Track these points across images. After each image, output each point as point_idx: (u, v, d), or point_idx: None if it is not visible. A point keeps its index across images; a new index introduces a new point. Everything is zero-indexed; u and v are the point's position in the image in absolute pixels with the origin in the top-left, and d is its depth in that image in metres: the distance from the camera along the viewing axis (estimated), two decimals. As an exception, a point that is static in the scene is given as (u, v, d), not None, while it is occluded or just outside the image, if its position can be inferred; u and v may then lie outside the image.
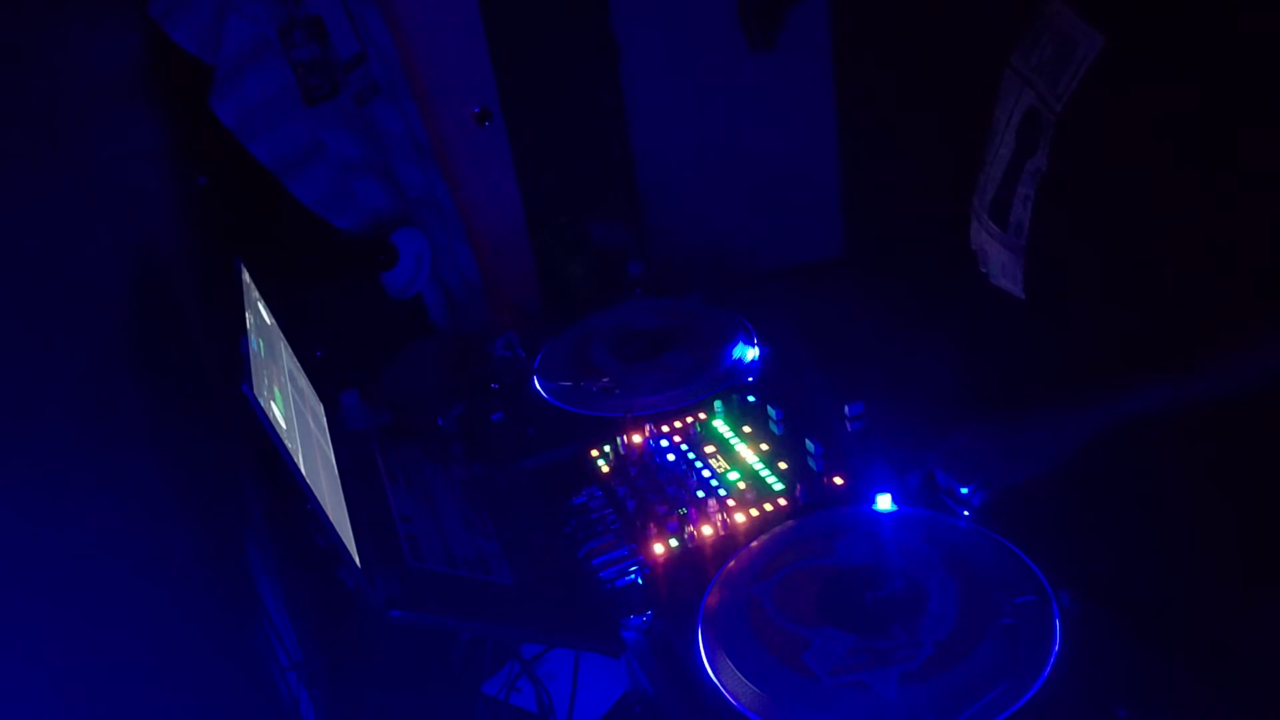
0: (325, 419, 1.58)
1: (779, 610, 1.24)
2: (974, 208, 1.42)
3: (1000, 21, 1.36)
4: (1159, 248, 1.22)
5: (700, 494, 1.48)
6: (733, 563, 1.34)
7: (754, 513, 1.43)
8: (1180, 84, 1.14)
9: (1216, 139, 1.14)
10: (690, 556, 1.38)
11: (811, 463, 1.50)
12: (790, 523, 1.40)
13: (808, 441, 1.50)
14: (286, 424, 1.23)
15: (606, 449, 1.62)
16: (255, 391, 1.13)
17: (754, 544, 1.37)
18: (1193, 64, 1.14)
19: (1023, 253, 1.32)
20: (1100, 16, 1.19)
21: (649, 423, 1.64)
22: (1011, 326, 1.41)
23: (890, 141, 2.85)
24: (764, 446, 1.57)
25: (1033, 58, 1.29)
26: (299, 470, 1.17)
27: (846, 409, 1.55)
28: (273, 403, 1.21)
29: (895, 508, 1.37)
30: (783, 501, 1.45)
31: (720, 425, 1.64)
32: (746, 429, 1.62)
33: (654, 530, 1.40)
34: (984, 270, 1.43)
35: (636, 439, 1.60)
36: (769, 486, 1.48)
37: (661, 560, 1.37)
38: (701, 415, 1.67)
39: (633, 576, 1.36)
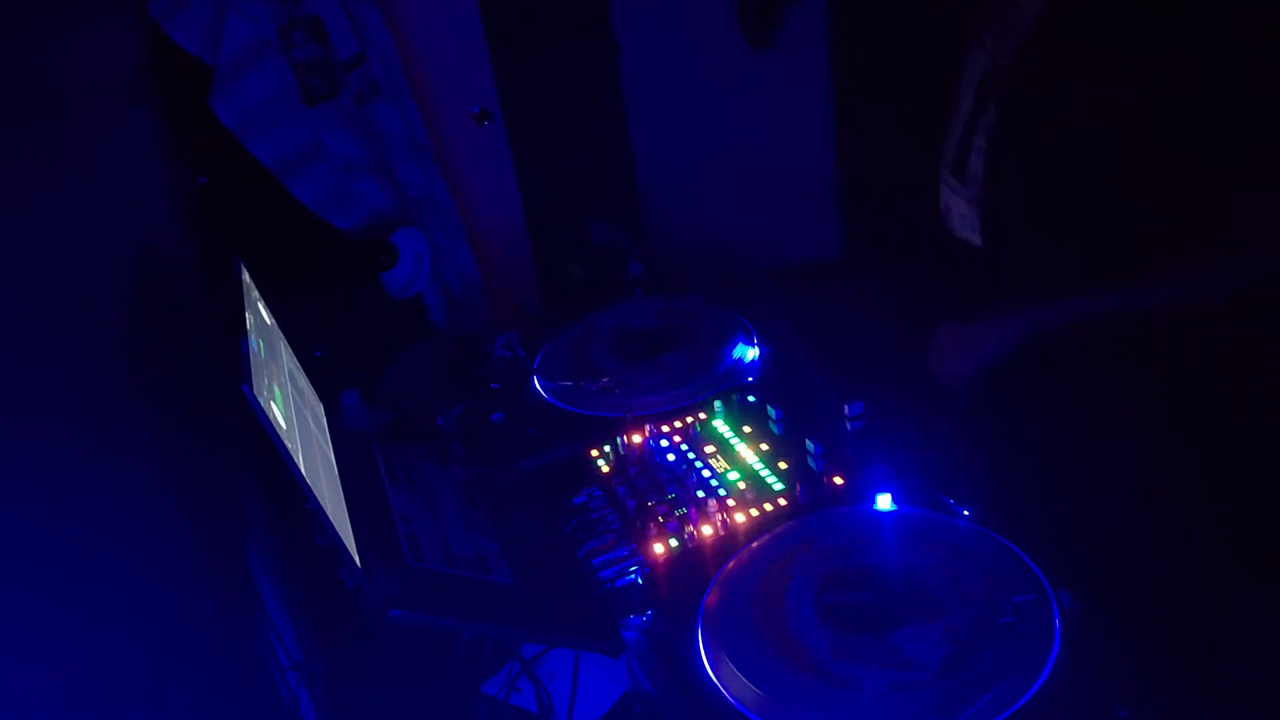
0: (325, 419, 1.58)
1: (779, 610, 1.24)
2: (940, 170, 1.52)
3: (970, 7, 1.48)
4: (1098, 190, 1.31)
5: (700, 494, 1.48)
6: (733, 563, 1.34)
7: (754, 513, 1.43)
8: (1114, 40, 1.24)
9: (1146, 95, 1.23)
10: (690, 556, 1.38)
11: (811, 463, 1.50)
12: (790, 523, 1.40)
13: (808, 441, 1.50)
14: (286, 424, 1.23)
15: (606, 449, 1.61)
16: (255, 391, 1.13)
17: (754, 544, 1.37)
18: (1125, 20, 1.24)
19: (979, 202, 1.43)
20: None
21: (649, 423, 1.64)
22: (972, 277, 1.52)
23: (890, 141, 2.84)
24: (764, 446, 1.57)
25: (990, 29, 1.41)
26: (299, 470, 1.17)
27: (846, 409, 1.55)
28: (273, 403, 1.21)
29: (895, 508, 1.37)
30: (783, 501, 1.45)
31: (720, 425, 1.64)
32: (746, 429, 1.62)
33: (654, 530, 1.40)
34: (949, 227, 1.53)
35: (636, 439, 1.60)
36: (769, 486, 1.48)
37: (661, 560, 1.37)
38: (701, 415, 1.67)
39: (633, 576, 1.36)
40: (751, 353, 1.79)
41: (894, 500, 1.37)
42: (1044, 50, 1.30)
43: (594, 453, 1.62)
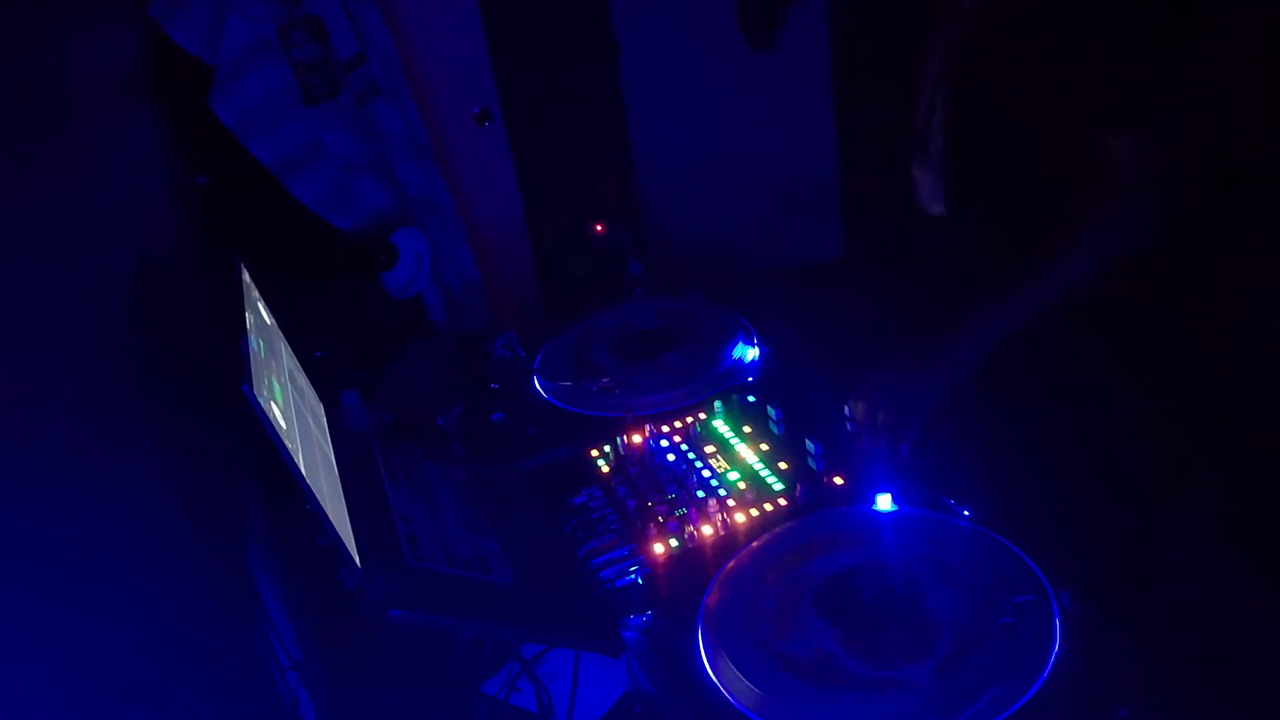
0: (325, 419, 1.58)
1: (778, 610, 1.24)
2: (910, 151, 1.60)
3: (930, 13, 1.57)
4: (1034, 149, 1.40)
5: (700, 494, 1.48)
6: (733, 563, 1.34)
7: (754, 513, 1.43)
8: (1033, 20, 1.36)
9: (1058, 43, 1.34)
10: (690, 556, 1.38)
11: (811, 463, 1.50)
12: (790, 523, 1.40)
13: (808, 441, 1.50)
14: (286, 424, 1.23)
15: (606, 449, 1.61)
16: (255, 391, 1.13)
17: (754, 544, 1.37)
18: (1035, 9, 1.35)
19: (940, 173, 1.53)
20: None
21: (649, 423, 1.64)
22: (939, 242, 1.60)
23: (889, 142, 2.84)
24: (764, 446, 1.57)
25: (945, 15, 1.52)
26: (299, 470, 1.17)
27: (846, 409, 1.55)
28: (273, 403, 1.21)
29: (895, 508, 1.37)
30: (783, 501, 1.45)
31: (720, 425, 1.64)
32: (746, 429, 1.62)
33: (654, 530, 1.40)
34: (917, 200, 1.62)
35: (636, 439, 1.60)
36: (769, 486, 1.48)
37: (661, 560, 1.37)
38: (701, 415, 1.67)
39: (633, 576, 1.36)
40: (751, 353, 1.79)
41: (894, 500, 1.37)
42: (982, 25, 1.44)
43: (594, 453, 1.62)
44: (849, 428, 1.55)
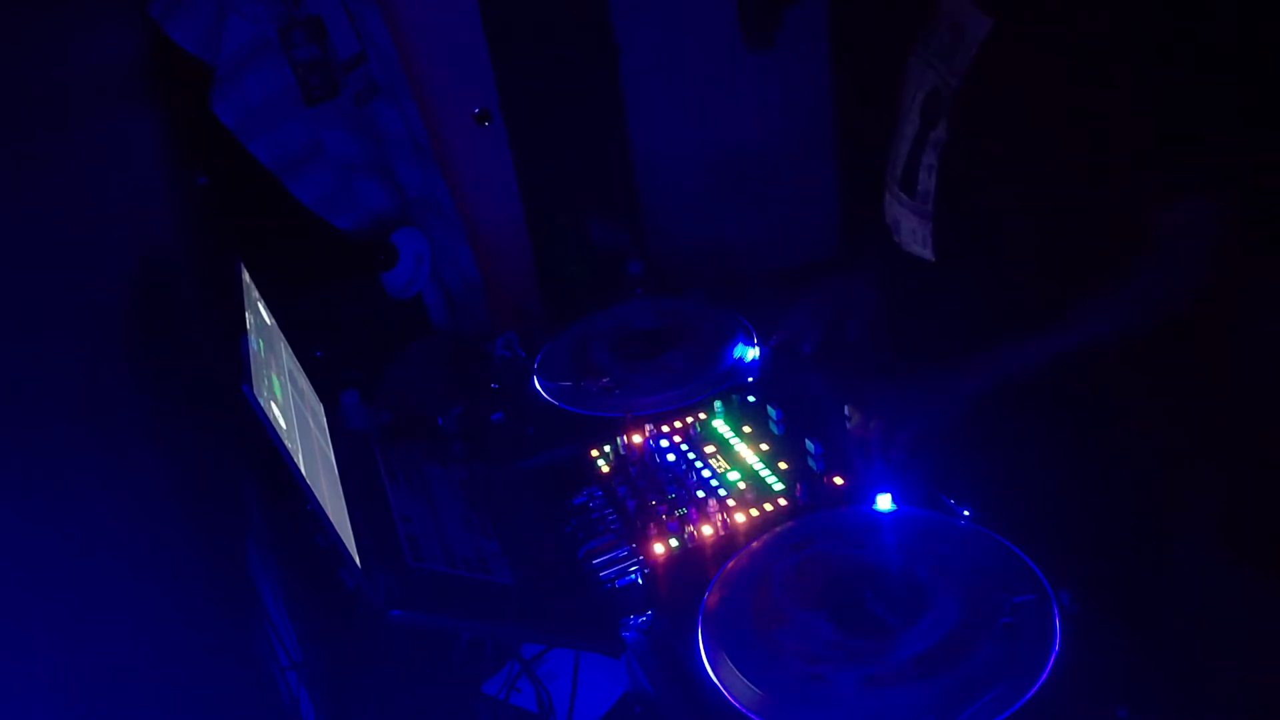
0: (325, 419, 1.58)
1: (779, 611, 1.24)
2: (886, 183, 1.55)
3: (905, 18, 1.54)
4: (1045, 207, 1.37)
5: (700, 494, 1.48)
6: (733, 563, 1.34)
7: (754, 513, 1.43)
8: (1058, 59, 1.31)
9: (1090, 108, 1.30)
10: (690, 556, 1.38)
11: (811, 463, 1.50)
12: (790, 523, 1.40)
13: (808, 441, 1.50)
14: (286, 424, 1.23)
15: (606, 449, 1.61)
16: (255, 391, 1.13)
17: (754, 544, 1.37)
18: (1068, 41, 1.30)
19: (930, 217, 1.47)
20: (988, 2, 1.37)
21: (649, 423, 1.64)
22: (924, 287, 1.55)
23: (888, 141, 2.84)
24: (764, 446, 1.57)
25: (932, 44, 1.46)
26: (299, 470, 1.17)
27: (846, 409, 1.55)
28: (273, 403, 1.21)
29: (895, 508, 1.37)
30: (783, 501, 1.45)
31: (720, 425, 1.64)
32: (746, 429, 1.62)
33: (654, 530, 1.40)
34: (897, 239, 1.57)
35: (636, 439, 1.60)
36: (769, 486, 1.48)
37: (661, 560, 1.37)
38: (701, 415, 1.67)
39: (633, 576, 1.36)
40: (751, 353, 1.79)
41: (894, 500, 1.37)
42: (991, 73, 1.36)
43: (594, 453, 1.62)
44: (849, 427, 1.55)
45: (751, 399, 1.68)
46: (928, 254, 1.51)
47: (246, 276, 1.44)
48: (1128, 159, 1.31)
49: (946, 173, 1.43)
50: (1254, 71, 1.34)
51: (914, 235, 1.52)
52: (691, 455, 1.57)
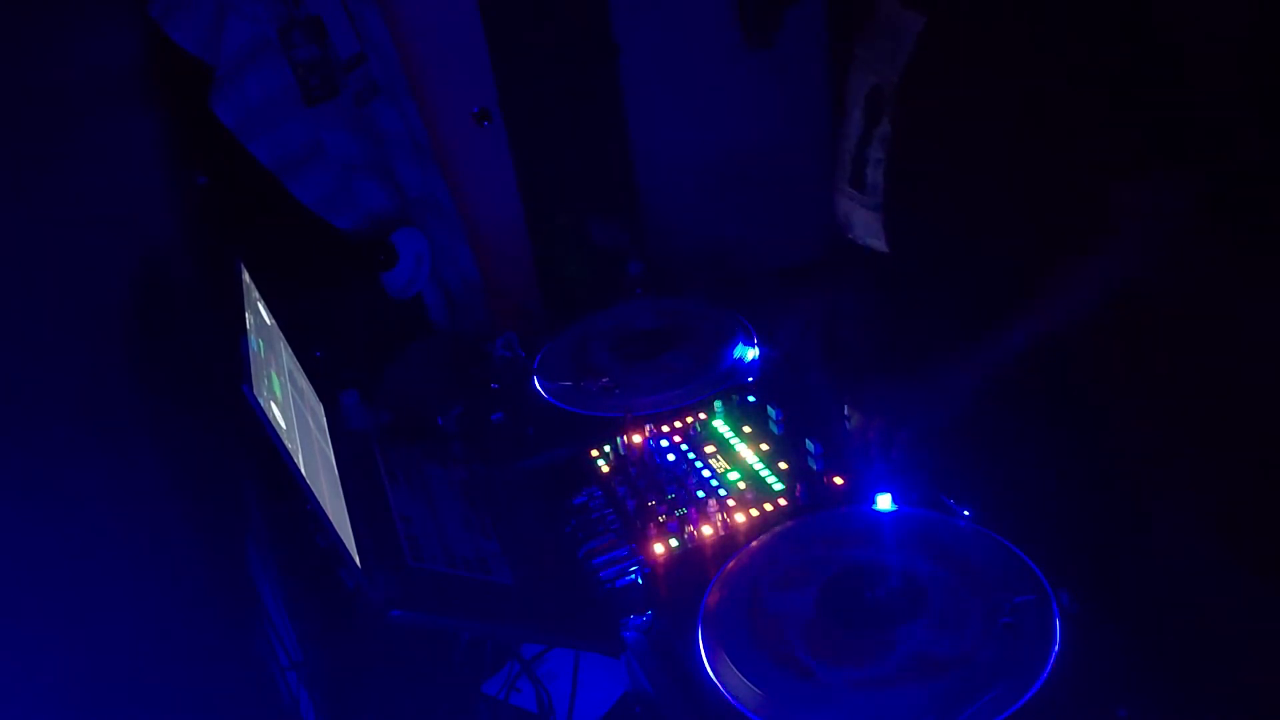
0: (325, 419, 1.58)
1: (779, 610, 1.24)
2: (835, 183, 1.60)
3: (846, 18, 1.57)
4: (990, 191, 1.41)
5: (700, 494, 1.48)
6: (733, 563, 1.34)
7: (754, 513, 1.43)
8: (995, 43, 1.34)
9: (1025, 98, 1.32)
10: (690, 556, 1.38)
11: (811, 463, 1.50)
12: (790, 523, 1.40)
13: (808, 441, 1.50)
14: (286, 424, 1.23)
15: (606, 449, 1.61)
16: (255, 391, 1.13)
17: (754, 544, 1.37)
18: (999, 35, 1.33)
19: (880, 209, 1.50)
20: (919, 2, 1.41)
21: (649, 423, 1.64)
22: (880, 279, 1.58)
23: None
24: (764, 446, 1.57)
25: (873, 48, 1.50)
26: (299, 470, 1.17)
27: (846, 409, 1.55)
28: (273, 402, 1.21)
29: (895, 508, 1.37)
30: (783, 501, 1.45)
31: (720, 425, 1.64)
32: (746, 429, 1.62)
33: (654, 530, 1.40)
34: (850, 236, 1.60)
35: (636, 439, 1.60)
36: (769, 486, 1.48)
37: (661, 560, 1.37)
38: (701, 415, 1.67)
39: (633, 576, 1.36)
40: (751, 353, 1.79)
41: (894, 500, 1.37)
42: (928, 66, 1.40)
43: (594, 453, 1.62)
44: (849, 427, 1.55)
45: (751, 399, 1.68)
46: (880, 245, 1.54)
47: (246, 276, 1.44)
48: (1078, 135, 1.33)
49: (893, 165, 1.47)
50: (1205, 48, 1.36)
51: (866, 228, 1.55)
52: (691, 455, 1.57)
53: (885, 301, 1.61)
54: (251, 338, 1.26)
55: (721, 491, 1.48)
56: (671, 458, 1.58)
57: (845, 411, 1.52)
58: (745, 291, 2.05)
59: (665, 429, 1.64)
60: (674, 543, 1.40)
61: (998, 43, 1.34)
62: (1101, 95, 1.30)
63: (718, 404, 1.67)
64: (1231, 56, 1.48)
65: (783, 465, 1.52)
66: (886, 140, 1.47)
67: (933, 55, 1.40)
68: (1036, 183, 1.38)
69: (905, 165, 1.46)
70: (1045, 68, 1.31)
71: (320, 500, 1.19)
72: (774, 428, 1.60)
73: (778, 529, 1.39)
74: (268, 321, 1.48)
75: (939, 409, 1.43)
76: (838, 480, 1.46)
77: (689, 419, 1.66)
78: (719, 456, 1.57)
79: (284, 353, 1.49)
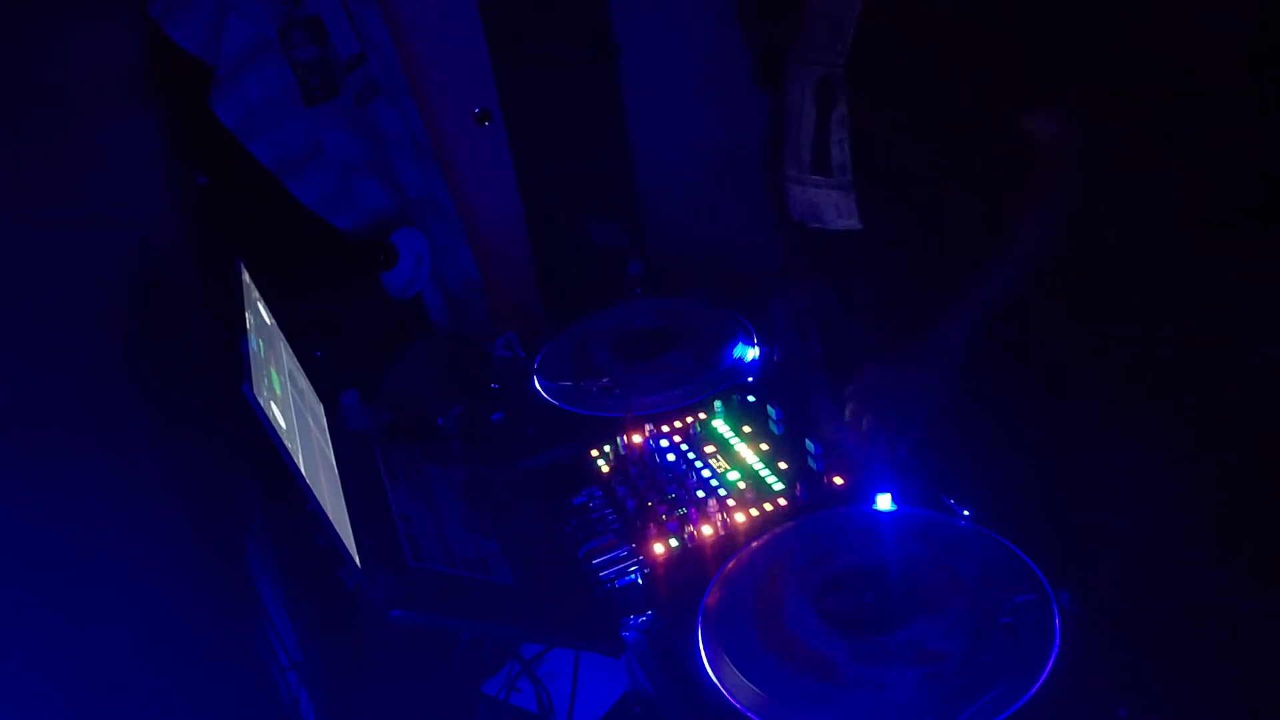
0: (325, 419, 1.58)
1: (779, 610, 1.24)
2: (790, 178, 1.62)
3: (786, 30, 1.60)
4: (951, 149, 1.45)
5: (700, 494, 1.47)
6: (733, 563, 1.34)
7: (754, 513, 1.43)
8: (925, 15, 1.41)
9: (956, 51, 1.39)
10: (690, 556, 1.38)
11: (811, 463, 1.50)
12: (790, 523, 1.40)
13: (808, 441, 1.50)
14: (286, 424, 1.23)
15: (606, 449, 1.61)
16: (255, 391, 1.13)
17: (754, 544, 1.37)
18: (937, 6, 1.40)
19: (851, 187, 1.52)
20: None
21: (649, 423, 1.64)
22: (860, 257, 1.59)
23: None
24: (764, 446, 1.57)
25: (806, 44, 1.55)
26: (299, 470, 1.17)
27: (846, 408, 1.54)
28: (273, 402, 1.21)
29: (895, 508, 1.37)
30: (783, 501, 1.45)
31: (720, 425, 1.64)
32: (746, 429, 1.62)
33: (654, 530, 1.40)
34: (816, 225, 1.61)
35: (636, 439, 1.60)
36: (769, 486, 1.48)
37: (661, 560, 1.37)
38: (701, 415, 1.67)
39: (633, 576, 1.36)
40: (751, 353, 1.79)
41: (894, 500, 1.37)
42: (874, 44, 1.46)
43: (594, 453, 1.62)
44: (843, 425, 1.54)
45: (751, 399, 1.69)
46: (855, 223, 1.56)
47: (246, 276, 1.44)
48: (998, 72, 1.39)
49: (857, 141, 1.50)
50: None
51: (837, 210, 1.57)
52: (691, 455, 1.57)
53: (865, 282, 1.62)
54: (251, 338, 1.26)
55: (721, 491, 1.48)
56: (671, 458, 1.58)
57: (845, 411, 1.52)
58: (745, 291, 2.05)
59: (665, 429, 1.64)
60: (674, 543, 1.40)
61: (934, 10, 1.41)
62: (1010, 32, 1.37)
63: (718, 404, 1.67)
64: (1236, 54, 1.49)
65: (783, 465, 1.52)
66: (845, 121, 1.51)
67: (876, 31, 1.46)
68: (990, 134, 1.44)
69: (870, 138, 1.50)
70: (964, 15, 1.38)
71: (320, 500, 1.19)
72: (774, 428, 1.60)
73: (778, 529, 1.39)
74: (268, 321, 1.48)
75: (932, 391, 1.45)
76: (838, 480, 1.46)
77: (689, 419, 1.66)
78: (719, 456, 1.57)
79: (284, 353, 1.49)
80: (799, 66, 1.57)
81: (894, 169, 1.50)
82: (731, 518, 1.42)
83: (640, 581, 1.36)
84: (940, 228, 1.51)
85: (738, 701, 1.13)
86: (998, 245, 1.45)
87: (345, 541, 1.22)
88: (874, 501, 1.38)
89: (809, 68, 1.55)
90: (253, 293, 1.44)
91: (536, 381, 1.85)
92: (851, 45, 1.48)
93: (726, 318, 1.92)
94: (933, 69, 1.42)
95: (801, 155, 1.59)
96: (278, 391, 1.29)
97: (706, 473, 1.53)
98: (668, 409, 1.69)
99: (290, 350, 1.55)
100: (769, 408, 1.61)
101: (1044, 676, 1.07)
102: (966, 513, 1.33)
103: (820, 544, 1.33)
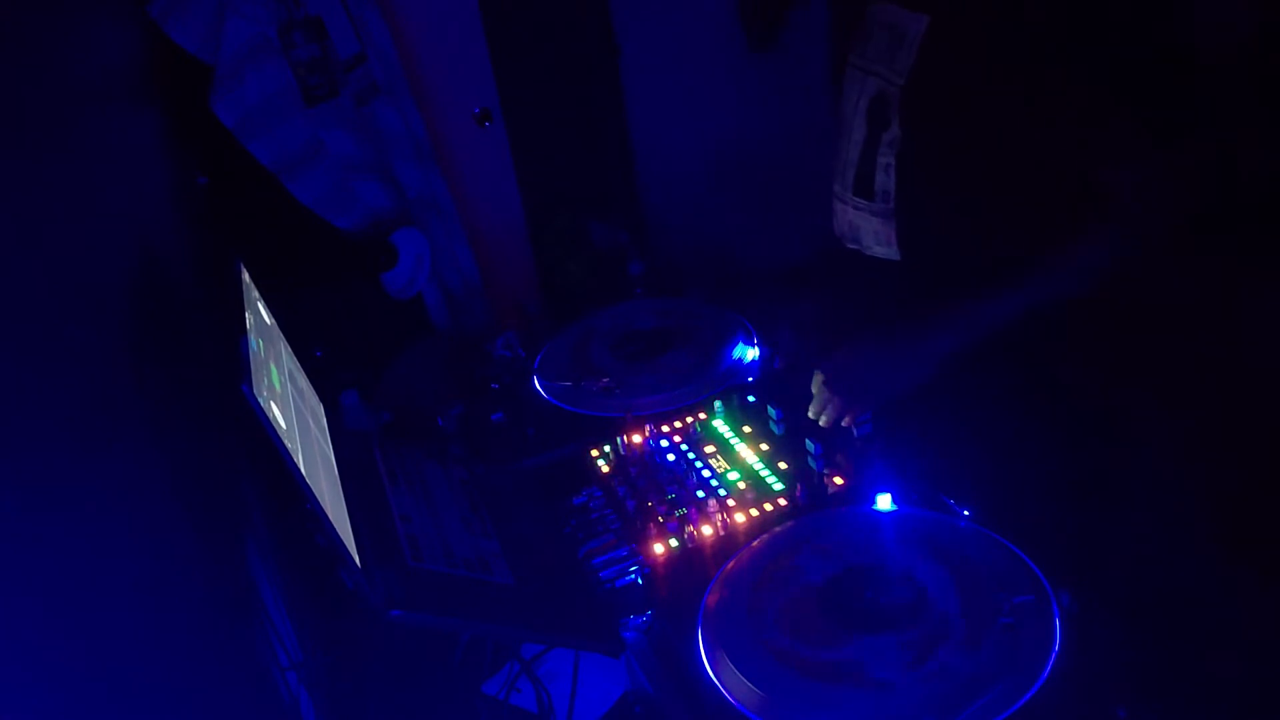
0: (325, 419, 1.58)
1: (779, 611, 1.24)
2: (836, 194, 1.59)
3: (840, 29, 1.58)
4: (1001, 187, 1.40)
5: (700, 494, 1.48)
6: (733, 563, 1.34)
7: (754, 513, 1.43)
8: (1002, 41, 1.34)
9: (1030, 89, 1.33)
10: (690, 556, 1.38)
11: (811, 463, 1.50)
12: (790, 523, 1.40)
13: (808, 441, 1.50)
14: (286, 424, 1.23)
15: (606, 449, 1.62)
16: (255, 391, 1.13)
17: (754, 544, 1.37)
18: (1010, 22, 1.33)
19: (892, 215, 1.49)
20: (919, 3, 1.41)
21: (649, 423, 1.64)
22: (896, 290, 1.56)
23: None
24: (764, 446, 1.57)
25: (868, 51, 1.49)
26: (299, 470, 1.17)
27: (814, 384, 1.54)
28: (273, 402, 1.21)
29: (895, 508, 1.37)
30: (783, 501, 1.45)
31: (720, 425, 1.64)
32: (746, 429, 1.62)
33: (654, 530, 1.40)
34: (855, 246, 1.59)
35: (636, 439, 1.60)
36: (769, 486, 1.48)
37: (661, 560, 1.37)
38: (701, 415, 1.67)
39: (633, 576, 1.36)
40: (751, 353, 1.79)
41: (894, 500, 1.37)
42: (936, 65, 1.39)
43: (594, 453, 1.62)
44: (855, 433, 1.54)
45: (751, 399, 1.69)
46: (893, 253, 1.53)
47: (246, 276, 1.44)
48: (1078, 121, 1.33)
49: (905, 169, 1.46)
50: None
51: (876, 237, 1.54)
52: (691, 455, 1.57)
53: (891, 309, 1.61)
54: (251, 338, 1.26)
55: (721, 491, 1.48)
56: (671, 458, 1.58)
57: (813, 387, 1.52)
58: (745, 291, 2.05)
59: (665, 429, 1.64)
60: (674, 543, 1.40)
61: (1004, 36, 1.33)
62: (1101, 85, 1.30)
63: (718, 404, 1.67)
64: (1239, 54, 1.48)
65: (783, 465, 1.52)
66: (896, 144, 1.46)
67: (940, 54, 1.38)
68: (1045, 175, 1.38)
69: (918, 168, 1.45)
70: (1048, 58, 1.30)
71: (320, 500, 1.19)
72: (774, 428, 1.60)
73: (778, 529, 1.39)
74: (268, 321, 1.48)
75: (906, 375, 1.44)
76: (838, 480, 1.46)
77: (689, 419, 1.66)
78: (719, 456, 1.57)
79: (284, 353, 1.49)
80: (857, 73, 1.52)
81: (941, 202, 1.46)
82: (731, 518, 1.42)
83: (640, 582, 1.36)
84: (977, 268, 1.45)
85: (738, 701, 1.13)
86: (1029, 282, 1.40)
87: (345, 541, 1.22)
88: (874, 501, 1.38)
89: (866, 78, 1.49)
90: (252, 293, 1.44)
91: (536, 381, 1.85)
92: (914, 62, 1.41)
93: (727, 318, 1.92)
94: (1002, 106, 1.35)
95: (846, 174, 1.56)
96: (278, 391, 1.29)
97: (706, 473, 1.53)
98: (668, 409, 1.69)
99: (290, 350, 1.55)
100: (769, 408, 1.61)
101: (1044, 676, 1.07)
102: (966, 513, 1.33)
103: (820, 544, 1.33)
